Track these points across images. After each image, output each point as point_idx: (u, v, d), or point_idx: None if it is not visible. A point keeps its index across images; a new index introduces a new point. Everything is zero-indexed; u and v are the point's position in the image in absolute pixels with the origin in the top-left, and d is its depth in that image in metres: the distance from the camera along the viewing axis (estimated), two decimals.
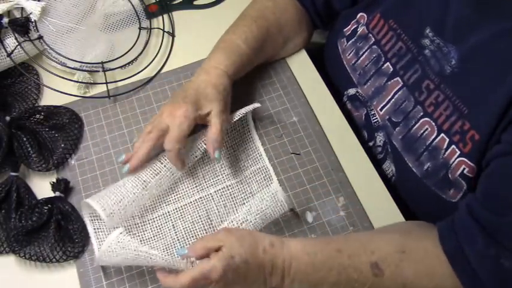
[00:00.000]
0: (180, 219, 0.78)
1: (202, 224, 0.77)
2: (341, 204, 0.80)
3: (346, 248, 0.69)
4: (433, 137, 0.74)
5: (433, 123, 0.75)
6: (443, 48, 0.74)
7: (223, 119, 0.77)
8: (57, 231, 0.74)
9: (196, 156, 0.79)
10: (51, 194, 0.78)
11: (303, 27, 0.94)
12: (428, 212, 0.80)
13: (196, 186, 0.80)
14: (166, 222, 0.77)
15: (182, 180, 0.81)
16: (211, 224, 0.77)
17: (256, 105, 0.83)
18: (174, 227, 0.77)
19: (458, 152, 0.71)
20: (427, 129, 0.75)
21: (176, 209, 0.79)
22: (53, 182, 0.78)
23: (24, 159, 0.79)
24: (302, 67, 0.94)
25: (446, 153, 0.73)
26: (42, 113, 0.84)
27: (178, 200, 0.79)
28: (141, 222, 0.77)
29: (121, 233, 0.69)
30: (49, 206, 0.75)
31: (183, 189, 0.80)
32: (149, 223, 0.77)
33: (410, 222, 0.78)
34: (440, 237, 0.68)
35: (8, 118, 0.80)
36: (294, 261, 0.67)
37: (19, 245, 0.73)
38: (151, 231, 0.77)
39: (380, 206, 0.81)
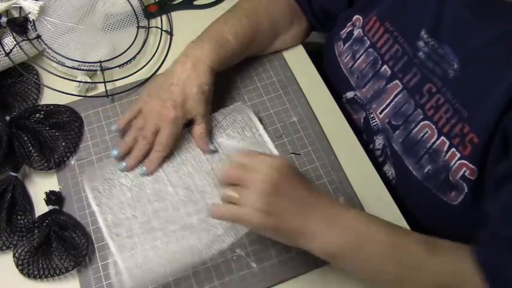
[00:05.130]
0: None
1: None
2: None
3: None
4: (433, 140, 0.75)
5: (433, 126, 0.75)
6: (439, 50, 0.74)
7: (208, 119, 0.83)
8: (59, 243, 0.73)
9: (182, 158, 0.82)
10: (50, 196, 0.77)
11: (295, 23, 0.94)
12: (427, 215, 0.80)
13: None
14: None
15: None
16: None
17: (238, 103, 0.86)
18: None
19: (459, 155, 0.71)
20: (427, 132, 0.76)
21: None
22: (45, 198, 0.77)
23: (25, 158, 0.78)
24: (302, 67, 0.94)
25: (447, 156, 0.73)
26: (42, 112, 0.83)
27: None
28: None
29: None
30: (46, 221, 0.75)
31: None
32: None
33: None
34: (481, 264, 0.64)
35: (8, 118, 0.79)
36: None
37: (29, 267, 0.72)
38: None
39: (380, 206, 0.81)
